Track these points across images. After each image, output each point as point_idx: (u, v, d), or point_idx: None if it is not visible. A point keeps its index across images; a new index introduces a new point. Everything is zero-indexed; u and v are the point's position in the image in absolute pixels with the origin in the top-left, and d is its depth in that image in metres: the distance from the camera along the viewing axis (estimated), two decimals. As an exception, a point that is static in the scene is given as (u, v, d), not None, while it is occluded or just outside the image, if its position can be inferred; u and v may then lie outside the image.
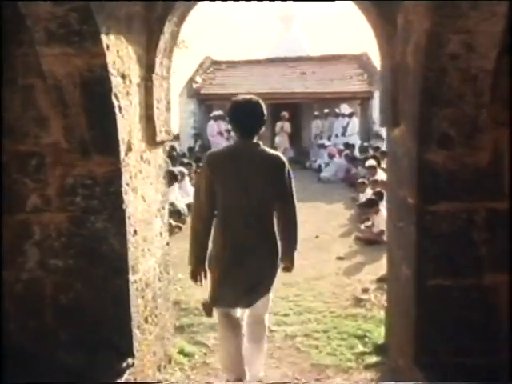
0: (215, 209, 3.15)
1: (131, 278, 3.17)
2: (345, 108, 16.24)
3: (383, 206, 7.38)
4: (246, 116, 3.12)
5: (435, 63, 2.82)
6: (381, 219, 7.18)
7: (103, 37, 2.72)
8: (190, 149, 15.22)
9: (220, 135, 15.82)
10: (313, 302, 5.12)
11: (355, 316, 4.70)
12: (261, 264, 3.19)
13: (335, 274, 6.00)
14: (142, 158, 3.37)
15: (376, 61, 18.63)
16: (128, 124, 3.10)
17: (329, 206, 10.17)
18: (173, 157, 13.93)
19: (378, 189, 8.50)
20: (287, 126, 16.80)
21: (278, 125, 16.84)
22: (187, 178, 10.19)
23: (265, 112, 3.18)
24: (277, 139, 16.73)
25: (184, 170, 10.05)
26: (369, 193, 8.85)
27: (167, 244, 4.00)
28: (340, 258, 6.55)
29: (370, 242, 7.11)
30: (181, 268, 6.24)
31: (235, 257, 3.12)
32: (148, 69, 3.41)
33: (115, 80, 2.91)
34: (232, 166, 3.08)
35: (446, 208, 2.98)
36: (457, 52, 2.78)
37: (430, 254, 3.03)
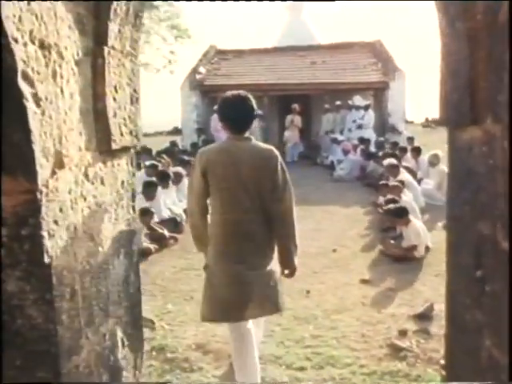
0: (207, 205, 3.14)
1: (66, 365, 2.00)
2: (358, 100, 14.98)
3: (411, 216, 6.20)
4: (235, 111, 3.08)
5: None
6: (412, 232, 5.98)
7: (-12, -28, 1.54)
8: (194, 144, 14.00)
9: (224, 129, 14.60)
10: (336, 349, 3.92)
11: (395, 374, 3.50)
12: (258, 264, 3.08)
13: (361, 304, 4.81)
14: (86, 175, 2.19)
15: (390, 49, 17.34)
16: (56, 124, 1.92)
17: (345, 209, 8.95)
18: (174, 154, 12.84)
19: (390, 196, 7.29)
20: (298, 119, 15.55)
21: (288, 118, 15.60)
22: (186, 180, 9.01)
23: (254, 106, 3.12)
24: (286, 133, 15.49)
25: (181, 170, 8.85)
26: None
27: (138, 289, 2.83)
28: (364, 282, 5.35)
29: (398, 259, 5.92)
30: (172, 295, 5.11)
31: (234, 255, 3.05)
32: (97, 39, 2.22)
33: (24, 51, 1.72)
34: (224, 164, 3.03)
35: None
36: None
37: (543, 334, 1.84)
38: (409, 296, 4.93)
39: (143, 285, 3.32)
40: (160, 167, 10.04)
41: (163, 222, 7.26)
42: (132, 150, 2.70)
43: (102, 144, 2.28)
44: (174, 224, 7.44)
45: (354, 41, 18.50)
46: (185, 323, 4.45)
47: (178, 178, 8.37)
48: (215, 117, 14.79)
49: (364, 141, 12.75)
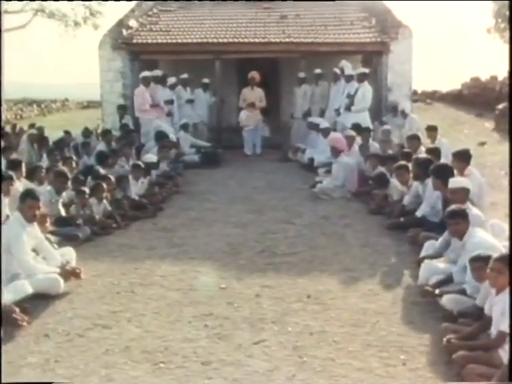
0: None
1: None
2: (346, 66, 9.97)
3: None
4: None
5: None
6: None
7: None
8: (105, 133, 8.73)
9: (155, 108, 9.42)
10: None
11: None
12: None
13: None
14: None
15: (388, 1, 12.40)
16: None
17: (363, 301, 4.10)
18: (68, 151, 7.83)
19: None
20: (259, 94, 10.46)
21: (244, 93, 10.49)
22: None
23: None
24: (242, 114, 10.37)
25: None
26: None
27: None
28: None
29: None
30: None
31: None
32: None
33: None
34: None
35: None
36: None
37: None
38: None
39: None
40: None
41: None
42: None
43: None
44: None
45: (336, -11, 13.51)
46: None
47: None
48: (141, 90, 9.57)
49: (363, 130, 7.91)
